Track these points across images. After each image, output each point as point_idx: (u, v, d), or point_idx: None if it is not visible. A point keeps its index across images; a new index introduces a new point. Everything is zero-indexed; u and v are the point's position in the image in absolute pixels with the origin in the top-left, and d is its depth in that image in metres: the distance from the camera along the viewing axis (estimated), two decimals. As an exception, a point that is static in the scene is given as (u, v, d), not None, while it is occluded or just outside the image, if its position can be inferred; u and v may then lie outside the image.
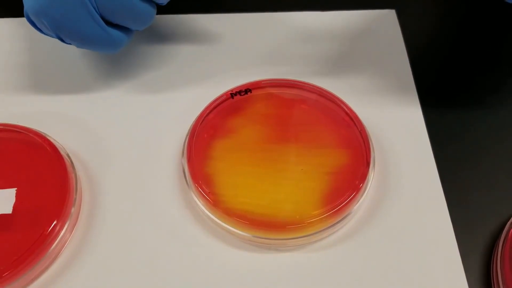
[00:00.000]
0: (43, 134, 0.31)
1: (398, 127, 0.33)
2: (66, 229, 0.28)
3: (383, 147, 0.32)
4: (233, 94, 0.33)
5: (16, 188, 0.29)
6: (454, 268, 0.28)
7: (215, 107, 0.33)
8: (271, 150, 0.31)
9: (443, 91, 0.36)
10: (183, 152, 0.31)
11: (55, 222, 0.27)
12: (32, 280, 0.27)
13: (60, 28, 0.30)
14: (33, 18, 0.30)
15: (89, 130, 0.33)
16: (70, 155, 0.31)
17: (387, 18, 0.40)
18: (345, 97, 0.33)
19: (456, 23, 0.41)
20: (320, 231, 0.28)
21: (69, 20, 0.29)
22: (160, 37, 0.39)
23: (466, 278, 0.27)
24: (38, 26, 0.30)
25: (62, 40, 0.31)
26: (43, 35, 0.31)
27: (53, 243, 0.27)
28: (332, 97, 0.33)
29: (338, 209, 0.28)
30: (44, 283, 0.27)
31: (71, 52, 0.38)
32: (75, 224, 0.29)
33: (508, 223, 0.29)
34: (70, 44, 0.31)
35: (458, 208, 0.30)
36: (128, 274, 0.28)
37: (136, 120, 0.34)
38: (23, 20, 0.36)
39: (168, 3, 0.31)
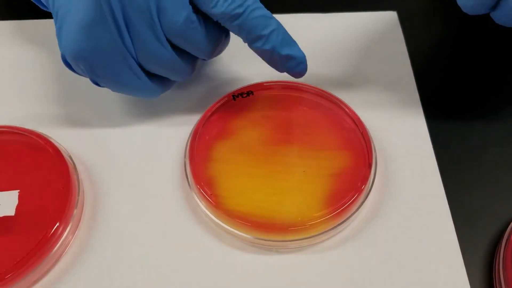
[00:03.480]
0: (46, 136, 0.31)
1: (400, 129, 0.33)
2: (69, 231, 0.28)
3: (385, 149, 0.32)
4: (235, 96, 0.33)
5: (18, 190, 0.29)
6: (456, 270, 0.28)
7: (217, 109, 0.33)
8: (273, 152, 0.31)
9: (445, 93, 0.36)
10: (185, 154, 0.31)
11: (57, 224, 0.27)
12: (34, 282, 0.27)
13: (97, 75, 0.29)
14: (70, 62, 0.29)
15: (91, 133, 0.33)
16: (73, 157, 0.31)
17: (389, 20, 0.40)
18: (346, 99, 0.33)
19: (458, 25, 0.41)
20: (322, 233, 0.28)
21: (107, 68, 0.28)
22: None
23: (468, 280, 0.27)
24: (74, 68, 0.29)
25: (97, 84, 0.30)
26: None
27: (56, 245, 0.27)
28: (333, 99, 0.33)
29: (340, 211, 0.28)
30: (46, 285, 0.27)
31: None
32: (78, 226, 0.29)
33: (510, 225, 0.28)
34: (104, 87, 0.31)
35: (460, 210, 0.30)
36: (130, 275, 0.28)
37: (138, 122, 0.34)
38: (26, 22, 0.36)
39: None
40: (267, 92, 0.34)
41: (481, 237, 0.29)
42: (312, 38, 0.39)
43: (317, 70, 0.37)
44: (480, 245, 0.29)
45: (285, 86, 0.34)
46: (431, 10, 0.42)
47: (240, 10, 0.27)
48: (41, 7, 0.32)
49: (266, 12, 0.29)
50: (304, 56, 0.30)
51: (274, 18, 0.29)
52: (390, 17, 0.40)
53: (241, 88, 0.34)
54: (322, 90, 0.34)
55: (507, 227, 0.29)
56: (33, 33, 0.39)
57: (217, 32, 0.30)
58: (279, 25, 0.29)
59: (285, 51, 0.29)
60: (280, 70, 0.31)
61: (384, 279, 0.27)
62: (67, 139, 0.32)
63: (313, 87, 0.34)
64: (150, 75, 0.30)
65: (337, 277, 0.28)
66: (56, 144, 0.31)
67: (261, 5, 0.29)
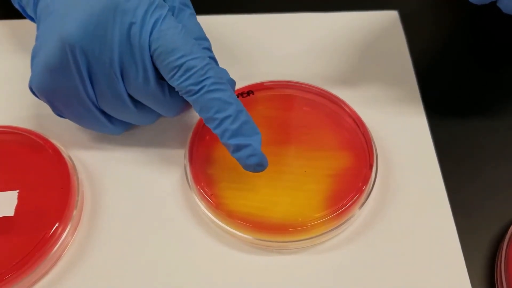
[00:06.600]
0: (45, 136, 0.31)
1: (401, 130, 0.33)
2: (68, 231, 0.28)
3: (386, 148, 0.32)
4: (235, 95, 0.33)
5: (18, 190, 0.29)
6: (458, 271, 0.28)
7: (217, 109, 0.33)
8: (274, 152, 0.30)
9: (447, 92, 0.36)
10: (185, 154, 0.31)
11: (57, 225, 0.27)
12: (34, 283, 0.27)
13: (59, 111, 0.30)
14: (35, 93, 0.29)
15: (91, 132, 0.33)
16: (72, 157, 0.31)
17: (390, 19, 0.40)
18: (347, 98, 0.33)
19: (460, 24, 0.41)
20: (322, 233, 0.28)
21: (68, 108, 0.29)
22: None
23: (469, 281, 0.27)
24: (39, 98, 0.30)
25: (60, 116, 0.31)
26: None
27: (55, 246, 0.27)
28: (334, 99, 0.33)
29: (341, 212, 0.28)
30: (45, 286, 0.27)
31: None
32: (77, 227, 0.29)
33: (512, 225, 0.28)
34: None
35: (461, 210, 0.30)
36: (130, 276, 0.27)
37: (138, 122, 0.34)
38: (24, 21, 0.36)
39: None
40: (267, 91, 0.34)
41: (483, 237, 0.29)
42: (313, 37, 0.39)
43: (318, 70, 0.37)
44: (481, 245, 0.29)
45: (285, 85, 0.34)
46: (432, 8, 0.42)
47: (195, 88, 0.27)
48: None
49: (226, 95, 0.27)
50: (259, 150, 0.27)
51: (234, 104, 0.27)
52: (391, 16, 0.40)
53: (241, 88, 0.34)
54: (323, 90, 0.33)
55: (509, 227, 0.29)
56: (33, 32, 0.39)
57: (181, 98, 0.29)
58: (238, 113, 0.27)
59: (236, 140, 0.27)
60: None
61: (385, 280, 0.27)
62: (67, 139, 0.32)
63: (314, 86, 0.34)
64: (112, 117, 0.30)
65: (338, 278, 0.27)
66: (55, 144, 0.31)
67: (223, 87, 0.27)
